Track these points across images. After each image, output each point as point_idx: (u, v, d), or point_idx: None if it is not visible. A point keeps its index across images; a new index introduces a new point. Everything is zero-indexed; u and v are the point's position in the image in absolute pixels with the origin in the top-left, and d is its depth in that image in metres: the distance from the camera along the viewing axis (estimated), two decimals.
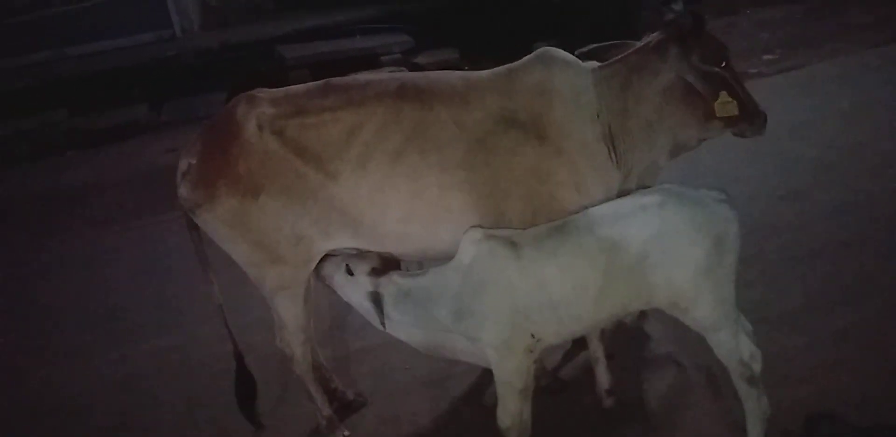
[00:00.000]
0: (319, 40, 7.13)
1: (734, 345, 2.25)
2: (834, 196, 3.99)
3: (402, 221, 2.38)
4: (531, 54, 2.51)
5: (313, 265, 2.50)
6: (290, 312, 2.56)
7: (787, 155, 4.62)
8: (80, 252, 4.63)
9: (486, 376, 2.92)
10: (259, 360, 2.99)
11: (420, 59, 7.13)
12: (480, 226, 2.32)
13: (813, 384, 2.73)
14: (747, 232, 3.71)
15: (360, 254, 2.43)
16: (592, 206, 2.32)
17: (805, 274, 3.36)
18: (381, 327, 2.37)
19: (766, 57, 6.55)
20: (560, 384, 2.94)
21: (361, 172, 2.35)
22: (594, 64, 2.54)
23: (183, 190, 2.44)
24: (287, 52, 6.93)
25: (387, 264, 2.38)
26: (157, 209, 4.72)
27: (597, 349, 2.68)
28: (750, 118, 2.50)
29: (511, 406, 2.32)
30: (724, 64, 2.44)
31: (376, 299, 2.32)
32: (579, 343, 3.11)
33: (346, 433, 2.78)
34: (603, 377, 2.71)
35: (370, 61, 6.97)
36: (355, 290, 2.40)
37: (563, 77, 2.44)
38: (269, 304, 2.61)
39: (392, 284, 2.34)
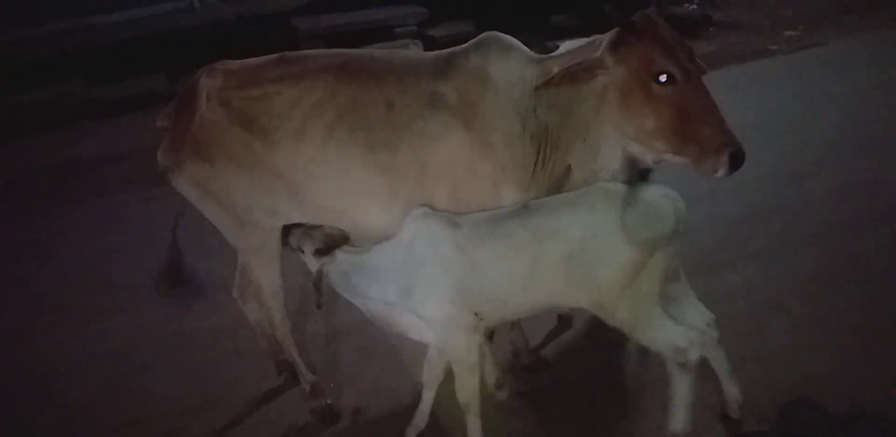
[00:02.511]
0: (334, 12, 7.10)
1: (659, 336, 2.24)
2: (838, 178, 3.92)
3: (334, 195, 2.42)
4: (475, 39, 2.40)
5: (277, 232, 2.56)
6: (265, 275, 2.64)
7: (799, 135, 4.54)
8: (87, 222, 4.69)
9: None
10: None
11: (435, 32, 7.06)
12: (427, 206, 2.34)
13: (792, 368, 2.72)
14: (747, 215, 3.77)
15: (310, 231, 2.47)
16: (508, 205, 2.30)
17: (797, 258, 3.33)
18: (317, 307, 2.41)
19: (787, 33, 6.40)
20: (542, 363, 2.96)
21: (299, 143, 2.38)
22: (560, 53, 2.33)
23: (159, 154, 2.57)
24: (301, 24, 6.92)
25: (333, 242, 2.42)
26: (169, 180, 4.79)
27: (483, 345, 2.65)
28: (700, 154, 2.10)
29: (466, 382, 2.38)
30: (663, 78, 2.09)
31: (318, 279, 2.38)
32: (563, 322, 3.14)
33: (328, 400, 2.86)
34: (490, 373, 2.74)
35: (384, 33, 6.93)
36: (310, 266, 2.46)
37: (499, 66, 2.28)
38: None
39: (337, 261, 2.39)
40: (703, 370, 2.48)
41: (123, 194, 5.01)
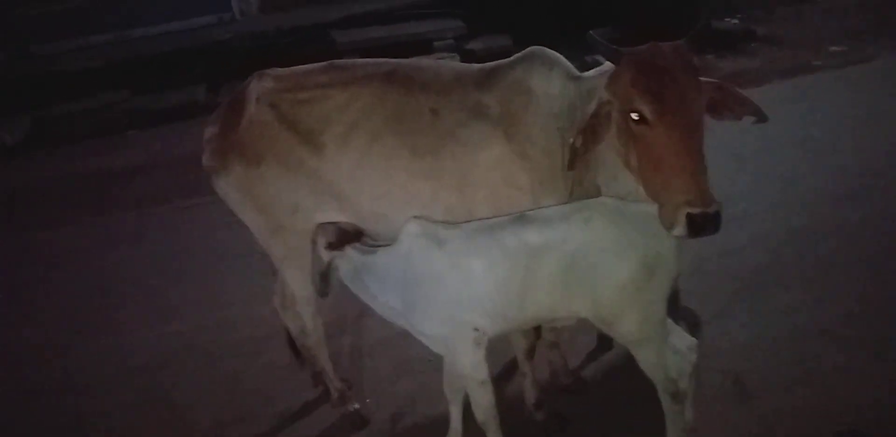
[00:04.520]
0: (373, 25, 7.15)
1: (658, 362, 2.21)
2: (887, 200, 3.81)
3: (376, 199, 2.45)
4: (521, 52, 2.40)
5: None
6: (297, 282, 2.67)
7: (846, 154, 4.43)
8: (125, 231, 4.76)
9: (508, 372, 2.94)
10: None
11: (473, 45, 7.08)
12: (422, 217, 2.33)
13: (840, 395, 2.63)
14: (793, 236, 3.69)
15: (325, 225, 2.48)
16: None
17: (845, 281, 3.23)
18: (320, 295, 2.42)
19: (833, 48, 6.27)
20: (581, 384, 2.92)
21: (344, 148, 2.42)
22: (600, 71, 2.26)
23: (204, 157, 2.62)
24: (340, 37, 6.98)
25: (345, 237, 2.42)
26: (206, 189, 4.80)
27: (524, 364, 2.67)
28: (661, 205, 1.99)
29: (480, 400, 2.33)
30: (635, 116, 1.99)
31: (325, 270, 2.38)
32: (603, 343, 3.09)
33: (357, 405, 2.88)
34: (529, 393, 2.71)
35: (422, 47, 6.95)
36: (322, 258, 2.45)
37: (540, 80, 2.29)
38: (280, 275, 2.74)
39: (347, 258, 2.37)
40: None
41: (163, 204, 5.07)
